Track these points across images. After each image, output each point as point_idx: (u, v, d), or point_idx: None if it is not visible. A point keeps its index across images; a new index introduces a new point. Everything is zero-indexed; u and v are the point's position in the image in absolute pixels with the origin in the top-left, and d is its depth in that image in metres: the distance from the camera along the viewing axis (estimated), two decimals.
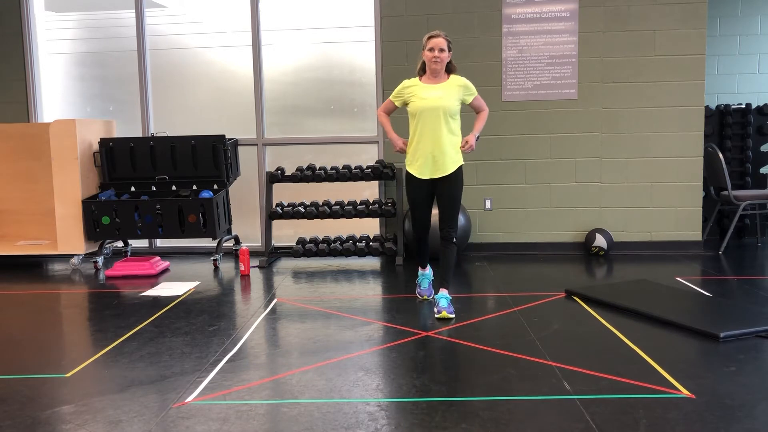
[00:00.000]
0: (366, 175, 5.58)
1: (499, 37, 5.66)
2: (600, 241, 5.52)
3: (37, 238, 6.02)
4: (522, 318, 3.76)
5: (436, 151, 3.83)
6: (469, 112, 4.12)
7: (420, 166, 3.88)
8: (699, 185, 5.69)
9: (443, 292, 3.90)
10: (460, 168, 3.91)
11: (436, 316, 3.80)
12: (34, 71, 6.17)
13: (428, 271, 4.20)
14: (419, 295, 4.22)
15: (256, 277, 5.08)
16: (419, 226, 4.05)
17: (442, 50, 3.79)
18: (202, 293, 4.56)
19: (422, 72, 3.95)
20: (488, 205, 5.81)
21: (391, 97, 4.04)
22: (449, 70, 3.92)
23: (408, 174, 3.97)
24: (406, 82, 3.97)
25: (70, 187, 5.45)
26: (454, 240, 3.93)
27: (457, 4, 5.66)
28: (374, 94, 5.91)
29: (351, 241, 5.48)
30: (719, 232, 6.22)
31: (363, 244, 5.44)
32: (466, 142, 3.89)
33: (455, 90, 3.87)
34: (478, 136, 3.99)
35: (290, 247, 5.64)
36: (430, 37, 3.82)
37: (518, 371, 2.93)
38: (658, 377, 2.82)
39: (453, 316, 3.79)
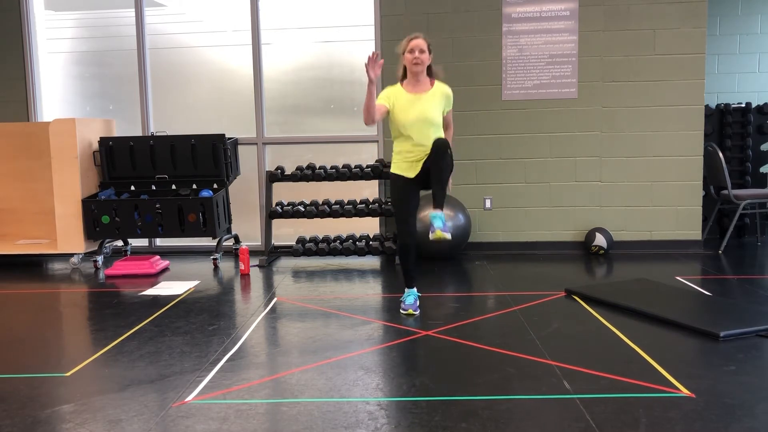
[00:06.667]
0: (366, 175, 5.58)
1: (499, 37, 5.66)
2: (600, 240, 5.52)
3: (37, 237, 6.02)
4: (522, 317, 3.76)
5: (421, 149, 3.74)
6: None
7: (407, 168, 3.80)
8: (699, 184, 5.69)
9: (437, 212, 3.67)
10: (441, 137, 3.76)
11: (431, 236, 3.65)
12: (34, 70, 6.17)
13: (414, 288, 3.99)
14: (403, 310, 3.89)
15: (256, 276, 5.08)
16: (406, 234, 3.79)
17: (422, 51, 3.69)
18: (202, 292, 4.56)
19: (404, 77, 3.83)
20: (488, 204, 5.81)
21: (380, 102, 3.79)
22: (430, 74, 3.80)
23: (394, 175, 3.85)
24: (388, 89, 3.84)
25: (69, 186, 5.45)
26: (449, 152, 3.62)
27: (457, 4, 5.65)
28: None
29: (351, 241, 5.48)
30: (719, 232, 6.22)
31: (363, 243, 5.43)
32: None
33: (439, 99, 3.77)
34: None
35: (290, 247, 5.64)
36: (409, 40, 3.73)
37: (518, 370, 2.93)
38: (658, 376, 2.82)
39: (449, 236, 3.66)
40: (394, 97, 3.79)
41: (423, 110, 3.73)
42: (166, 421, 2.48)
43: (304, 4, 6.01)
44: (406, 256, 3.88)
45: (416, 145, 3.76)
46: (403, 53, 3.76)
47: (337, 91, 6.04)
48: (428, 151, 3.72)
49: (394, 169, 3.87)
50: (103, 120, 5.93)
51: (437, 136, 3.74)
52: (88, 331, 3.79)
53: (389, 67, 5.70)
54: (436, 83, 3.81)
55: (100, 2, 6.25)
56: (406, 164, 3.81)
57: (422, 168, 3.78)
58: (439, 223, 3.64)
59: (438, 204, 3.69)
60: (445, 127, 3.93)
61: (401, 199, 3.84)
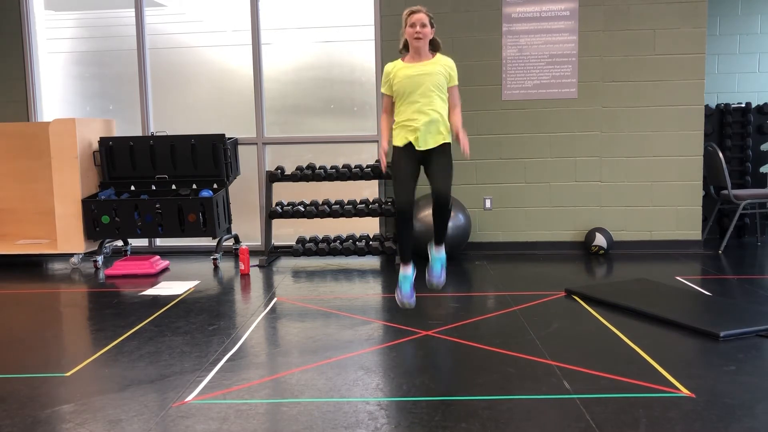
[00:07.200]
0: (366, 174, 5.58)
1: (499, 36, 5.66)
2: (600, 240, 5.52)
3: (37, 237, 6.01)
4: (522, 317, 3.76)
5: (427, 110, 3.48)
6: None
7: (408, 133, 3.52)
8: (699, 184, 5.69)
9: (439, 252, 3.71)
10: (449, 145, 3.57)
11: (428, 283, 3.74)
12: (34, 70, 6.17)
13: (411, 271, 3.62)
14: (400, 299, 3.63)
15: (256, 276, 5.08)
16: (404, 199, 3.49)
17: (423, 25, 3.51)
18: (202, 292, 4.56)
19: (405, 52, 3.65)
20: (488, 204, 5.81)
21: (383, 91, 3.67)
22: (434, 48, 3.62)
23: (395, 149, 3.59)
24: (388, 67, 3.64)
25: (69, 186, 5.45)
26: (449, 206, 3.59)
27: (457, 4, 5.65)
28: (374, 93, 5.91)
29: (351, 241, 5.48)
30: (719, 232, 6.22)
31: (363, 243, 5.43)
32: (459, 139, 3.50)
33: (441, 67, 3.56)
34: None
35: (290, 247, 5.64)
36: (410, 13, 3.54)
37: (518, 370, 2.93)
38: (658, 376, 2.82)
39: (442, 285, 3.75)
40: (393, 74, 3.59)
41: (423, 72, 3.52)
42: (166, 421, 2.48)
43: (304, 4, 6.01)
44: (404, 223, 3.55)
45: (418, 111, 3.50)
46: (404, 27, 3.59)
47: (337, 91, 6.04)
48: (428, 121, 3.50)
49: (395, 142, 3.61)
50: (103, 120, 5.93)
51: (441, 111, 3.53)
52: (88, 331, 3.79)
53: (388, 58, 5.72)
54: (438, 55, 3.62)
55: (100, 2, 6.25)
56: (404, 131, 3.55)
57: (421, 154, 3.56)
58: (438, 269, 3.72)
59: (439, 239, 3.71)
60: (451, 106, 3.62)
61: (400, 162, 3.56)
